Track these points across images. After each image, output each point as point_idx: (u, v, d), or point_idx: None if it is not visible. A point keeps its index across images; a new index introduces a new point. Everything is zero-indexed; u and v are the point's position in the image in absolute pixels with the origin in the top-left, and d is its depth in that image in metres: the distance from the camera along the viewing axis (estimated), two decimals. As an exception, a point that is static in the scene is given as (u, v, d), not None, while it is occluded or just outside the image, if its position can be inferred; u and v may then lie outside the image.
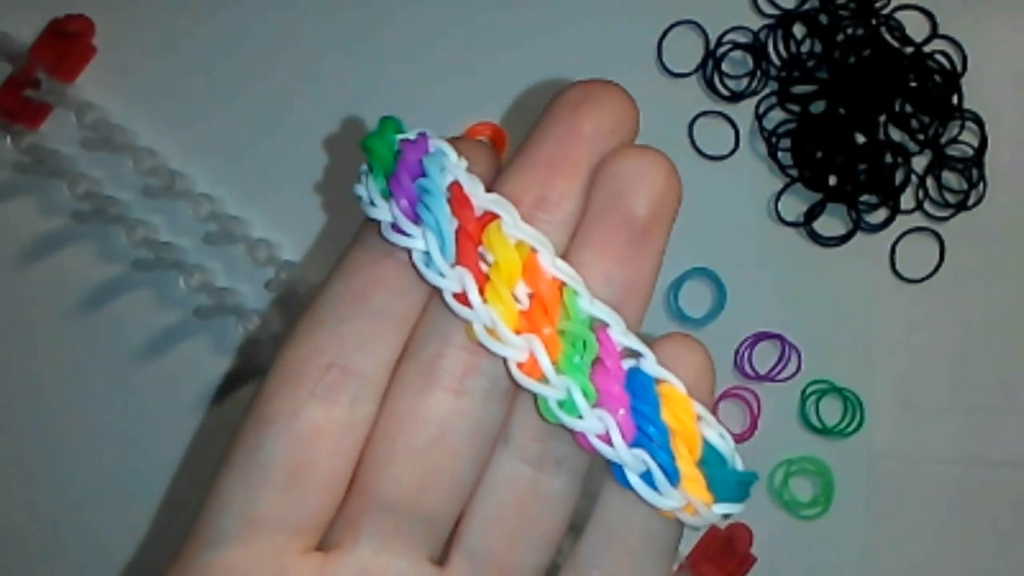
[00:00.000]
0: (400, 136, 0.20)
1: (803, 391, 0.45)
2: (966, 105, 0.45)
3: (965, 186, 0.45)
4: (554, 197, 0.19)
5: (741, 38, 0.45)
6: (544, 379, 0.19)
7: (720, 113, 0.45)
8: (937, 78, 0.45)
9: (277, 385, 0.20)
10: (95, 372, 0.46)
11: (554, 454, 0.20)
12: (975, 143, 0.45)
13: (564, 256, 0.20)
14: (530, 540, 0.20)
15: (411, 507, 0.20)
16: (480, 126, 0.44)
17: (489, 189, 0.20)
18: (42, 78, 0.44)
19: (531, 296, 0.19)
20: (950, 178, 0.45)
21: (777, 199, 0.45)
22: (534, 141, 0.20)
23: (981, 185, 0.45)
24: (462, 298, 0.19)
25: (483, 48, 0.46)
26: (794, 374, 0.45)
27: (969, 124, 0.45)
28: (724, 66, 0.45)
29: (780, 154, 0.45)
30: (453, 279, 0.19)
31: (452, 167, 0.19)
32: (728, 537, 0.43)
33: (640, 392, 0.19)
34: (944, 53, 0.45)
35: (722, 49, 0.45)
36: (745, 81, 0.45)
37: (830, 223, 0.45)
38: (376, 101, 0.46)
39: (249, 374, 0.46)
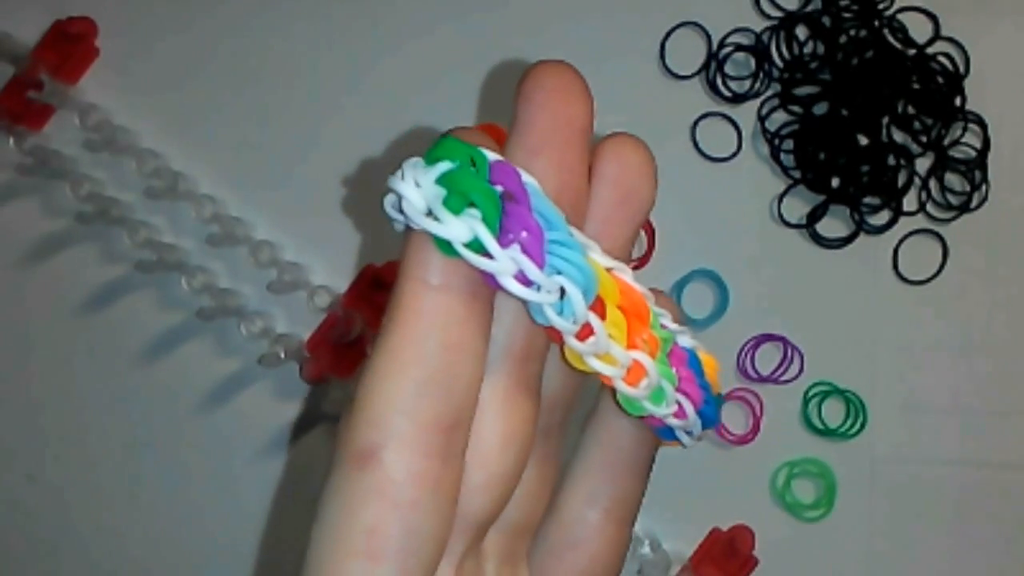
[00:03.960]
0: (491, 161, 0.18)
1: (806, 393, 0.45)
2: (969, 107, 0.45)
3: (968, 188, 0.45)
4: (582, 194, 0.20)
5: (744, 40, 0.45)
6: (644, 385, 0.20)
7: (723, 115, 0.45)
8: (940, 80, 0.45)
9: (404, 454, 0.19)
10: (97, 372, 0.46)
11: (555, 422, 0.22)
12: (978, 145, 0.45)
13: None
14: (545, 496, 0.22)
15: (493, 518, 0.21)
16: (483, 127, 0.44)
17: None
18: (45, 80, 0.45)
19: (623, 311, 0.20)
20: (953, 180, 0.45)
21: (780, 201, 0.45)
22: (537, 139, 0.20)
23: (984, 187, 0.45)
24: (590, 332, 0.19)
25: (487, 51, 0.46)
26: (796, 376, 0.45)
27: (972, 126, 0.45)
28: (727, 68, 0.45)
29: (783, 156, 0.45)
30: (578, 323, 0.19)
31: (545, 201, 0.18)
32: (730, 539, 0.43)
33: (696, 367, 0.22)
34: (947, 55, 0.45)
35: (725, 51, 0.45)
36: (748, 83, 0.45)
37: (833, 225, 0.45)
38: (379, 99, 0.46)
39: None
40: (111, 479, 0.46)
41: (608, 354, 0.19)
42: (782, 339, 0.45)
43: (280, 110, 0.46)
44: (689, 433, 0.22)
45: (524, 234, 0.17)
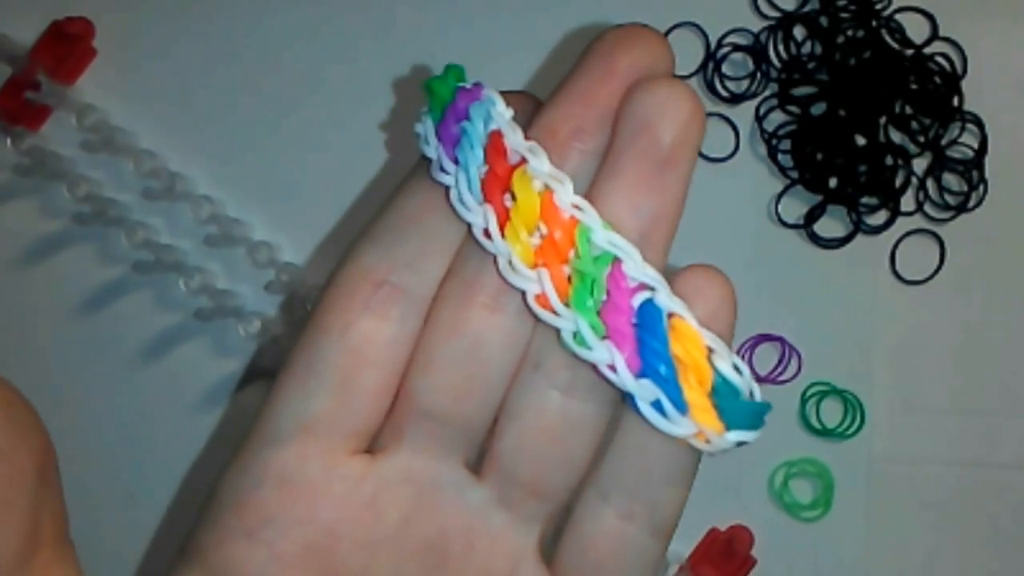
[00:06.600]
0: (460, 84, 0.22)
1: (803, 393, 0.45)
2: (966, 107, 0.45)
3: (965, 188, 0.45)
4: (589, 128, 0.21)
5: (741, 40, 0.46)
6: (553, 312, 0.20)
7: (720, 115, 0.45)
8: (937, 80, 0.45)
9: (334, 298, 0.22)
10: (95, 374, 0.46)
11: (584, 381, 0.21)
12: (975, 145, 0.45)
13: (592, 186, 0.21)
14: (558, 463, 0.22)
15: (449, 413, 0.21)
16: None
17: (529, 124, 0.21)
18: (42, 80, 0.45)
19: (544, 235, 0.20)
20: (950, 180, 0.45)
21: (777, 201, 0.45)
22: (573, 77, 0.21)
23: (981, 187, 0.45)
24: (489, 233, 0.21)
25: (483, 51, 0.46)
26: (794, 376, 0.45)
27: (969, 126, 0.45)
28: (724, 68, 0.45)
29: (780, 156, 0.45)
30: (479, 215, 0.20)
31: (497, 116, 0.21)
32: (728, 539, 0.43)
33: (649, 325, 0.20)
34: (944, 55, 0.45)
35: (722, 51, 0.45)
36: (745, 83, 0.45)
37: (830, 225, 0.45)
38: (377, 100, 0.46)
39: (254, 376, 0.46)
40: (109, 480, 0.46)
41: (513, 264, 0.20)
42: (780, 339, 0.45)
43: (279, 111, 0.46)
44: (657, 408, 0.20)
45: (451, 128, 0.21)
